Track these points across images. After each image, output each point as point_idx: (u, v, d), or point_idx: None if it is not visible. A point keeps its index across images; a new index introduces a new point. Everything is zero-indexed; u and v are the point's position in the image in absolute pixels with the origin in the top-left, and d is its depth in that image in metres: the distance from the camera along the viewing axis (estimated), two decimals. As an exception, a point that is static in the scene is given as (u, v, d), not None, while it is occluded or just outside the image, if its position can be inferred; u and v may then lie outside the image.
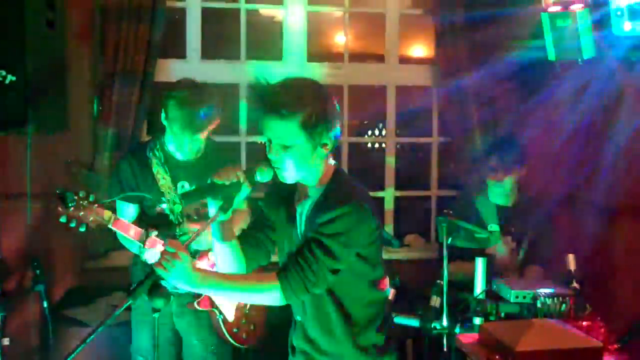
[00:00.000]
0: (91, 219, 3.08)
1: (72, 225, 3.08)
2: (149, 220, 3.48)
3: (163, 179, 3.54)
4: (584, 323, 3.14)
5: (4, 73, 3.78)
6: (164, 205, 3.53)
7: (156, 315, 2.86)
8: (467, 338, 3.32)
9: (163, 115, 3.44)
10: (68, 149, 4.55)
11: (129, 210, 3.53)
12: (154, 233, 3.35)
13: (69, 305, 4.39)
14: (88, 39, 4.74)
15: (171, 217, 3.54)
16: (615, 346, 2.93)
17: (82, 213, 3.06)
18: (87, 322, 4.16)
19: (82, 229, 3.11)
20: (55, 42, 4.12)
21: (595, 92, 5.02)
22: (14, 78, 3.78)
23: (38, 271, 3.78)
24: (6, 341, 3.51)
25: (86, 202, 3.07)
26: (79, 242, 4.74)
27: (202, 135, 3.46)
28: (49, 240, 4.56)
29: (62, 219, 3.06)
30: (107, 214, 3.16)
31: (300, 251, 2.47)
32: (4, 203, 4.34)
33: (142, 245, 3.31)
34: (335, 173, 2.60)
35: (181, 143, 3.46)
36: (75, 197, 3.05)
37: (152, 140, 3.65)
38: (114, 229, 3.24)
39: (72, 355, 2.21)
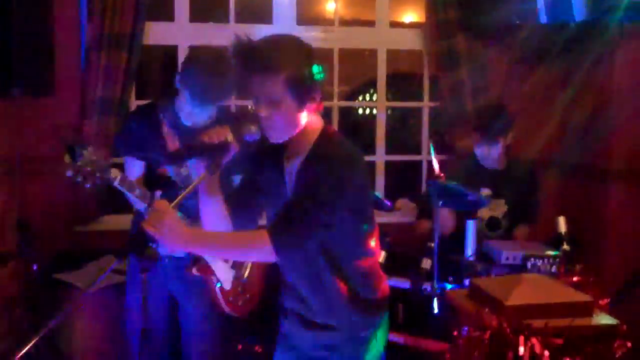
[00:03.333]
0: (98, 174, 3.02)
1: (78, 180, 3.02)
2: (154, 180, 3.44)
3: (171, 141, 3.49)
4: (575, 278, 3.15)
5: (-11, 35, 3.74)
6: (169, 168, 3.49)
7: (145, 274, 2.85)
8: (456, 294, 3.33)
9: (179, 79, 3.32)
10: (55, 112, 4.51)
11: (135, 167, 3.48)
12: (159, 194, 3.32)
13: (59, 269, 4.39)
14: (74, 1, 4.68)
15: (176, 180, 3.51)
16: (606, 301, 2.93)
17: (89, 168, 2.99)
18: (77, 285, 4.15)
19: (88, 185, 3.05)
20: (40, 5, 4.06)
21: (587, 54, 5.02)
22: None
23: (26, 234, 3.76)
24: (-4, 304, 3.51)
25: (94, 157, 3.00)
26: (69, 205, 4.74)
27: (211, 110, 3.38)
28: (38, 204, 4.55)
29: (69, 173, 2.99)
30: (114, 172, 3.11)
31: (291, 205, 2.45)
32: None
33: (147, 206, 3.27)
34: (324, 129, 2.59)
35: (195, 112, 3.37)
36: (84, 152, 2.97)
37: (164, 101, 3.54)
38: (119, 187, 3.19)
39: (62, 316, 2.21)
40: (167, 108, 3.48)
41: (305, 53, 2.46)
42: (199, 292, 3.58)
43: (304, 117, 2.51)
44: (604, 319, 2.82)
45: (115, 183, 3.14)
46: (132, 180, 3.29)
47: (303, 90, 2.43)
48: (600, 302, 2.87)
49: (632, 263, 4.64)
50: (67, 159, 2.95)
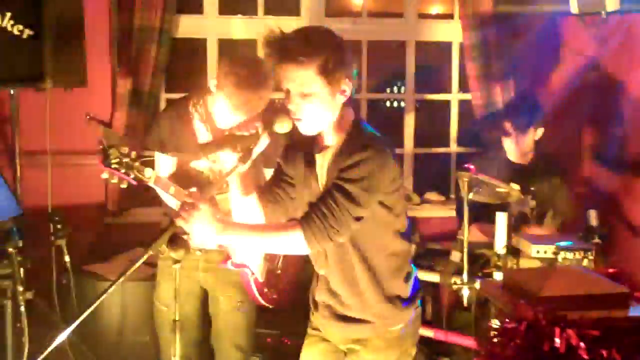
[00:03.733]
0: (132, 176, 3.05)
1: (114, 181, 3.05)
2: (185, 175, 3.45)
3: (203, 136, 3.50)
4: (610, 270, 3.12)
5: (22, 27, 3.77)
6: (201, 162, 3.50)
7: (176, 266, 2.86)
8: (490, 285, 3.31)
9: (215, 83, 3.30)
10: (86, 105, 4.54)
11: (166, 163, 3.50)
12: (194, 190, 3.33)
13: (90, 261, 4.43)
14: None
15: (208, 174, 3.51)
16: (640, 293, 2.90)
17: (124, 170, 3.01)
18: (108, 277, 4.19)
19: (123, 186, 3.09)
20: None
21: (617, 46, 4.96)
22: (32, 33, 3.77)
23: (59, 226, 3.79)
24: (29, 295, 3.54)
25: (128, 159, 3.02)
26: (99, 198, 4.78)
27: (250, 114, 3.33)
28: (69, 196, 4.59)
29: (104, 175, 3.03)
30: (148, 171, 3.12)
31: (323, 198, 2.46)
32: (25, 159, 4.37)
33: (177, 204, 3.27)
34: (355, 121, 2.58)
35: (232, 119, 3.33)
36: (119, 154, 3.00)
37: (196, 95, 3.54)
38: (154, 186, 3.22)
39: (93, 306, 2.22)
40: (199, 103, 3.48)
41: (337, 44, 2.47)
42: (231, 284, 3.59)
43: (336, 109, 2.50)
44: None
45: (151, 183, 3.17)
46: (167, 179, 3.31)
47: (334, 81, 2.43)
48: (636, 293, 2.83)
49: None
50: (101, 160, 2.97)
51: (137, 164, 3.03)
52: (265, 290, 3.60)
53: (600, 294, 2.79)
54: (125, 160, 3.00)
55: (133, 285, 4.13)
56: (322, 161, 2.59)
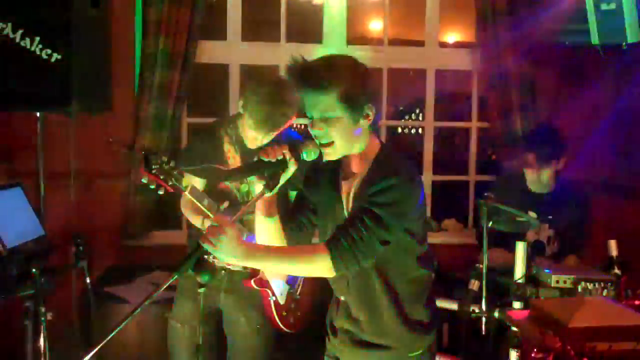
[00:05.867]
0: (170, 183, 3.09)
1: (152, 187, 3.10)
2: (214, 196, 3.50)
3: (232, 157, 3.56)
4: (637, 302, 3.11)
5: (49, 51, 3.83)
6: (230, 184, 3.55)
7: (202, 290, 2.88)
8: (517, 314, 3.30)
9: (242, 103, 3.39)
10: (110, 129, 4.60)
11: (196, 183, 3.54)
12: (226, 204, 3.37)
13: (109, 282, 4.46)
14: (131, 19, 4.79)
15: (237, 195, 3.56)
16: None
17: (162, 176, 3.06)
18: (127, 299, 4.21)
19: (160, 192, 3.13)
20: (99, 22, 4.15)
21: (637, 77, 4.97)
22: (59, 56, 3.83)
23: (81, 247, 3.82)
24: (50, 316, 3.56)
25: (167, 166, 3.08)
26: (119, 220, 4.81)
27: (276, 133, 3.43)
28: (90, 218, 4.63)
29: (144, 179, 3.06)
30: (185, 180, 3.17)
31: (351, 221, 2.46)
32: (49, 181, 4.41)
33: (212, 217, 3.31)
34: (382, 147, 2.60)
35: (259, 137, 3.43)
36: (159, 160, 3.05)
37: (228, 118, 3.64)
38: (189, 196, 3.23)
39: (119, 327, 2.24)
40: (229, 126, 3.55)
41: (360, 71, 2.49)
42: (251, 305, 3.61)
43: (361, 136, 2.53)
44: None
45: (187, 192, 3.20)
46: (201, 191, 3.35)
47: (357, 107, 2.45)
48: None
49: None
50: (142, 167, 3.02)
51: (175, 172, 3.09)
52: (284, 314, 3.62)
53: (628, 325, 2.77)
54: (166, 167, 3.05)
55: (149, 307, 4.13)
56: (348, 188, 2.61)
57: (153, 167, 3.00)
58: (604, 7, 4.25)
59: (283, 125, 3.37)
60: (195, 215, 3.41)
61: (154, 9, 4.67)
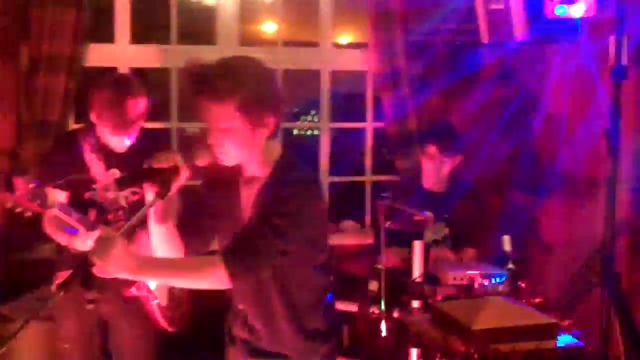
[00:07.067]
0: (37, 202, 2.97)
1: (18, 210, 2.97)
2: (80, 207, 3.39)
3: (96, 166, 3.45)
4: (536, 300, 3.16)
5: None
6: (96, 193, 3.43)
7: (90, 306, 2.77)
8: (416, 318, 3.30)
9: (90, 113, 3.38)
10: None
11: (59, 197, 3.42)
12: (93, 215, 3.27)
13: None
14: (12, 23, 4.55)
15: (102, 204, 3.45)
16: (567, 322, 2.94)
17: (29, 197, 2.94)
18: (13, 317, 4.02)
19: (28, 214, 3.00)
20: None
21: (526, 74, 5.11)
22: None
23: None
24: None
25: (32, 185, 2.96)
26: (2, 234, 4.58)
27: (133, 133, 3.40)
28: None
29: (9, 204, 2.94)
30: (51, 198, 3.05)
31: (248, 231, 2.39)
32: None
33: (81, 231, 3.20)
34: (283, 154, 2.53)
35: (114, 140, 3.43)
36: (21, 181, 2.93)
37: (85, 126, 3.57)
38: (57, 212, 3.12)
39: (2, 348, 2.11)
40: (88, 133, 3.48)
41: (260, 77, 2.40)
42: (135, 311, 3.53)
43: (258, 143, 2.45)
44: (569, 340, 2.82)
45: (55, 209, 3.08)
46: (68, 205, 3.23)
47: (255, 116, 2.37)
48: (562, 323, 2.88)
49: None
50: (5, 192, 2.90)
51: (40, 190, 2.98)
52: (168, 313, 3.56)
53: (530, 325, 2.81)
54: (29, 187, 2.94)
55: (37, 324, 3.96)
56: (248, 192, 2.54)
57: (15, 190, 2.90)
58: (492, 6, 4.35)
59: (141, 119, 3.38)
60: (61, 232, 3.30)
61: (37, 10, 4.46)
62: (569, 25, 4.44)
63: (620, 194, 4.31)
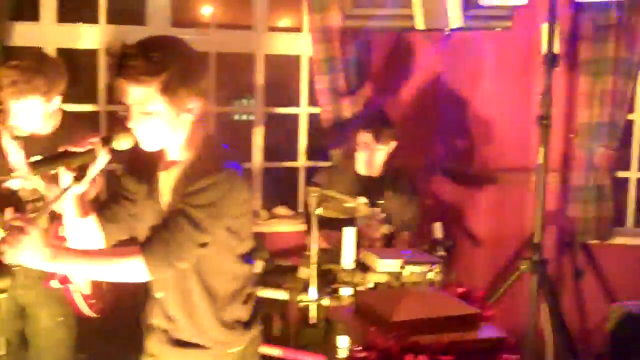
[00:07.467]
0: None
1: None
2: None
3: (17, 153, 3.31)
4: (459, 290, 3.15)
5: None
6: (15, 182, 3.29)
7: (3, 296, 2.65)
8: (341, 309, 3.26)
9: None
10: None
11: None
12: (10, 210, 3.13)
13: None
14: None
15: (22, 194, 3.32)
16: (491, 312, 2.93)
17: None
18: None
19: None
20: None
21: (459, 62, 5.14)
22: None
23: None
24: None
25: None
26: None
27: (47, 116, 3.31)
28: None
29: None
30: None
31: (166, 223, 2.32)
32: None
33: None
34: (205, 140, 2.45)
35: (26, 121, 3.31)
36: None
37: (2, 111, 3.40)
38: None
39: None
40: (4, 118, 3.33)
41: (184, 59, 2.31)
42: (54, 298, 3.45)
43: (181, 127, 2.37)
44: (491, 332, 2.81)
45: None
46: None
47: (178, 99, 2.29)
48: (485, 313, 2.86)
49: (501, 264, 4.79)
50: None
51: None
52: (92, 301, 3.48)
53: (452, 315, 2.77)
54: None
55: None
56: (167, 179, 2.45)
57: None
58: (427, -7, 4.35)
59: (48, 103, 3.29)
60: None
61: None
62: (503, 13, 4.49)
63: (550, 182, 4.38)
